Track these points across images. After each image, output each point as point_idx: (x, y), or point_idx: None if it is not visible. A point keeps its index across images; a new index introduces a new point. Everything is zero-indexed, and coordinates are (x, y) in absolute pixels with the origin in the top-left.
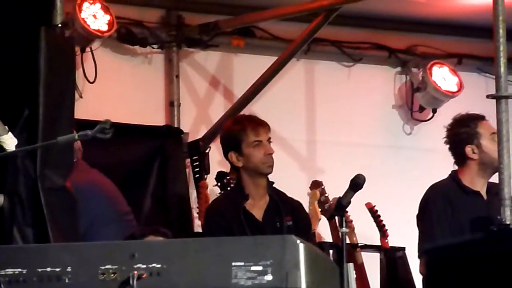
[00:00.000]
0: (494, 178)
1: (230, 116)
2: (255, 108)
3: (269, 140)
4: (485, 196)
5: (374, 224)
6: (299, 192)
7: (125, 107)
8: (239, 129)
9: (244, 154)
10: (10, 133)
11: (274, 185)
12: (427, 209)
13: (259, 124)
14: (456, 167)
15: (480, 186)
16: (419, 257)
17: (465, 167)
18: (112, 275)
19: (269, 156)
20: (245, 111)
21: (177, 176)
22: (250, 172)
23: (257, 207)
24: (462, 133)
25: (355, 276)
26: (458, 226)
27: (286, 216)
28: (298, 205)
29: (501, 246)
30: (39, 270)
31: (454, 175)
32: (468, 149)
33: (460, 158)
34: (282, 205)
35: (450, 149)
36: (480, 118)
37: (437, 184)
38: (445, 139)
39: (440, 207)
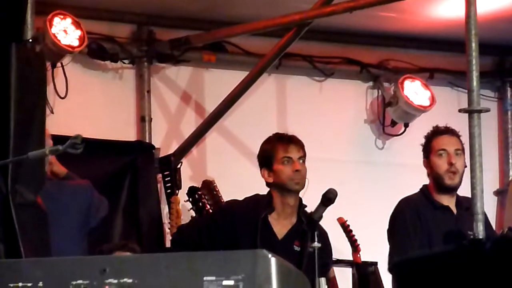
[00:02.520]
0: (465, 192)
1: (202, 131)
2: (227, 123)
3: (301, 158)
4: (454, 211)
5: (346, 239)
6: None
7: (96, 122)
8: (271, 146)
9: (273, 170)
10: None
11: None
12: (397, 223)
13: (290, 142)
14: (427, 182)
15: (446, 201)
16: (388, 270)
17: (430, 181)
18: None
19: (298, 172)
20: (217, 126)
21: (148, 192)
22: (279, 189)
23: (281, 225)
24: (423, 146)
25: None
26: (428, 240)
27: (312, 241)
28: (324, 233)
29: (471, 259)
30: (11, 285)
31: (424, 189)
32: (424, 163)
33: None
34: (309, 230)
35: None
36: (437, 132)
37: (407, 198)
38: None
39: (410, 221)
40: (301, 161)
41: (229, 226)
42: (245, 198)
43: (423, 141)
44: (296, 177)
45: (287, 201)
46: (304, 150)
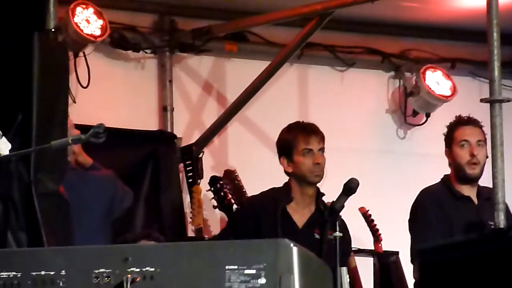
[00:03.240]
0: (486, 182)
1: (223, 121)
2: (248, 113)
3: (321, 150)
4: (475, 201)
5: (367, 228)
6: None
7: (118, 112)
8: (292, 136)
9: (294, 161)
10: (4, 138)
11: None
12: (418, 213)
13: (311, 133)
14: (449, 172)
15: (467, 191)
16: (411, 261)
17: (451, 171)
18: (106, 278)
19: (318, 165)
20: (238, 116)
21: (170, 181)
22: (298, 179)
23: (299, 214)
24: (445, 136)
25: (348, 280)
26: (449, 230)
27: (330, 230)
28: (342, 222)
29: (494, 247)
30: (33, 273)
31: (445, 179)
32: (446, 153)
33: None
34: (329, 218)
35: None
36: (461, 123)
37: (428, 188)
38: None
39: (431, 211)
40: (321, 152)
41: (252, 222)
42: (262, 192)
43: (444, 131)
44: (316, 170)
45: (306, 191)
46: (324, 140)
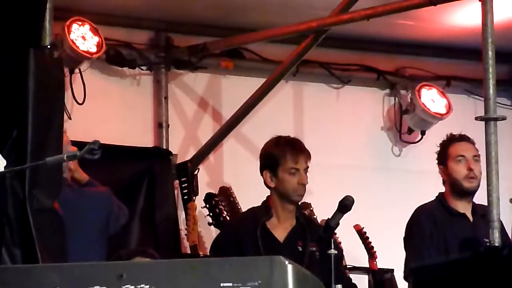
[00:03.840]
0: (480, 200)
1: (219, 138)
2: (244, 130)
3: (306, 170)
4: (471, 218)
5: (362, 245)
6: None
7: (113, 128)
8: (279, 152)
9: (278, 177)
10: None
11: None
12: (413, 230)
13: (300, 152)
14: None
15: (462, 208)
16: (404, 278)
17: (445, 189)
18: None
19: (302, 186)
20: (234, 133)
21: (165, 198)
22: (279, 196)
23: (281, 229)
24: (439, 154)
25: None
26: (444, 247)
27: (311, 242)
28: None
29: (488, 266)
30: None
31: (440, 197)
32: (440, 170)
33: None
34: (309, 231)
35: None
36: (456, 139)
37: (423, 206)
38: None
39: (426, 228)
40: (305, 172)
41: (233, 245)
42: (241, 214)
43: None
44: (300, 190)
45: (287, 207)
46: (310, 159)
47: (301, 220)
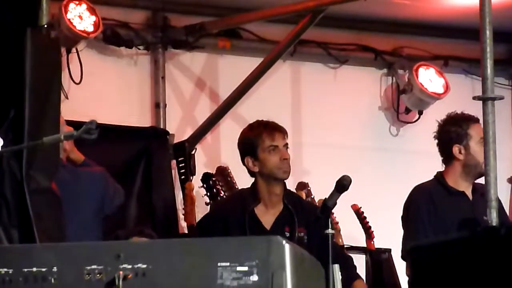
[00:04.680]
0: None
1: (216, 118)
2: (241, 110)
3: (286, 146)
4: (470, 197)
5: (360, 225)
6: None
7: (110, 108)
8: (255, 134)
9: (259, 159)
10: None
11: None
12: (411, 210)
13: (275, 129)
14: (442, 169)
15: (464, 187)
16: (402, 257)
17: (450, 167)
18: (98, 275)
19: (285, 161)
20: (231, 113)
21: (162, 178)
22: (265, 178)
23: (268, 214)
24: (452, 132)
25: (341, 277)
26: (443, 226)
27: (300, 227)
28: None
29: (486, 245)
30: (25, 270)
31: (439, 176)
32: (456, 149)
33: (447, 156)
34: (297, 215)
35: (438, 145)
36: (473, 120)
37: (421, 185)
38: (435, 134)
39: (424, 207)
40: (285, 148)
41: (220, 227)
42: (230, 196)
43: (436, 128)
44: (284, 166)
45: (274, 190)
46: (287, 136)
47: (288, 205)
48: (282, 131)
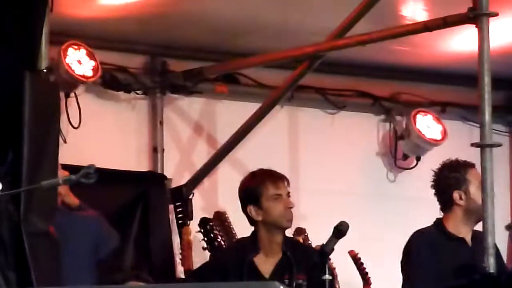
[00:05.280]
0: (479, 227)
1: (214, 163)
2: (239, 155)
3: (288, 195)
4: (470, 243)
5: (357, 272)
6: None
7: (108, 152)
8: (259, 182)
9: (263, 208)
10: None
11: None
12: (410, 254)
13: (278, 178)
14: (440, 215)
15: (464, 233)
16: None
17: (450, 213)
18: None
19: (289, 210)
20: (229, 158)
21: (160, 222)
22: (268, 226)
23: (268, 263)
24: (451, 178)
25: None
26: (442, 272)
27: (299, 274)
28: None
29: None
30: None
31: (438, 222)
32: (456, 195)
33: (446, 203)
34: (296, 262)
35: (436, 193)
36: (469, 165)
37: (420, 231)
38: (432, 183)
39: (423, 253)
40: (288, 197)
41: (219, 278)
42: (229, 246)
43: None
44: (288, 214)
45: (275, 239)
46: (289, 184)
47: (287, 253)
48: (284, 180)
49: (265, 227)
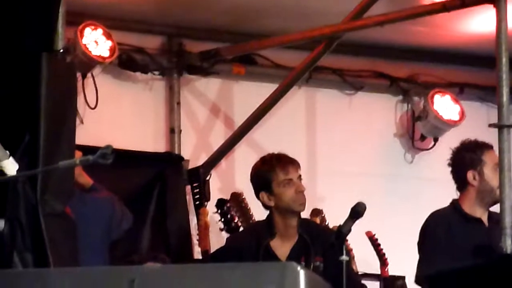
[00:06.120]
0: (496, 208)
1: (231, 144)
2: (256, 136)
3: (299, 178)
4: (486, 224)
5: (374, 252)
6: None
7: (125, 133)
8: (268, 168)
9: (275, 193)
10: (11, 158)
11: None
12: (428, 235)
13: (288, 162)
14: (457, 196)
15: (480, 213)
16: (415, 281)
17: (465, 194)
18: None
19: (301, 193)
20: (246, 139)
21: (177, 203)
22: (281, 211)
23: (284, 247)
24: (466, 158)
25: None
26: (459, 253)
27: (316, 256)
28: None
29: (501, 273)
30: None
31: (455, 203)
32: (470, 175)
33: (461, 182)
34: (313, 244)
35: (452, 172)
36: (487, 146)
37: (437, 212)
38: (448, 161)
39: (441, 233)
40: (299, 180)
41: (235, 261)
42: (245, 229)
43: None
44: (300, 198)
45: (290, 223)
46: (300, 168)
47: (304, 235)
48: (295, 164)
49: (279, 212)
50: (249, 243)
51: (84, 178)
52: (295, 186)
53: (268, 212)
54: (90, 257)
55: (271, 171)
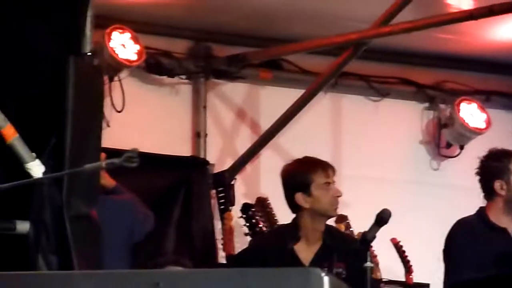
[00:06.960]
0: None
1: (256, 148)
2: (281, 141)
3: (334, 183)
4: (511, 233)
5: (399, 259)
6: None
7: (151, 136)
8: (309, 170)
9: (313, 195)
10: (37, 160)
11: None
12: (452, 243)
13: (328, 166)
14: (484, 204)
15: (505, 223)
16: None
17: (492, 203)
18: None
19: (337, 198)
20: (272, 144)
21: (202, 207)
22: (314, 214)
23: (308, 251)
24: (493, 167)
25: None
26: (483, 262)
27: (338, 262)
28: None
29: None
30: None
31: (481, 211)
32: (497, 184)
33: (488, 192)
34: (336, 251)
35: (480, 181)
36: None
37: (463, 220)
38: (476, 170)
39: (465, 242)
40: (335, 185)
41: (258, 265)
42: (269, 232)
43: (477, 164)
44: (336, 203)
45: (318, 227)
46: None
47: (327, 241)
48: (333, 169)
49: (311, 215)
50: (273, 246)
51: (106, 180)
52: (333, 190)
53: (294, 216)
54: (111, 259)
55: (311, 172)
